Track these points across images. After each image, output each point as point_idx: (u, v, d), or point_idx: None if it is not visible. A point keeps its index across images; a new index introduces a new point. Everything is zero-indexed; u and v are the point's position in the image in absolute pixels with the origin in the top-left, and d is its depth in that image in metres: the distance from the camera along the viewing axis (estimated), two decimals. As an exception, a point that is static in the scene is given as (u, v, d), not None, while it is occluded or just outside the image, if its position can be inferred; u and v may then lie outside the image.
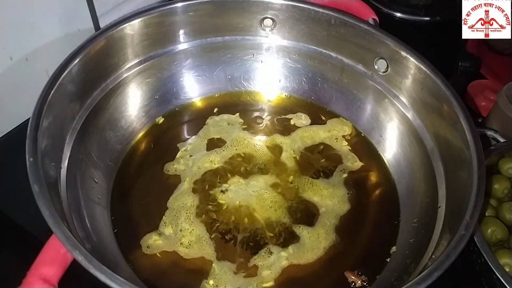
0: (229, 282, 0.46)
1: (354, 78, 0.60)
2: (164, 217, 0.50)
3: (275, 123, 0.62)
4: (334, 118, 0.62)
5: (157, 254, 0.47)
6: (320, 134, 0.60)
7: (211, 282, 0.46)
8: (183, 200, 0.51)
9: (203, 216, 0.51)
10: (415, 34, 0.76)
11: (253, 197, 0.53)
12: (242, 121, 0.61)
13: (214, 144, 0.58)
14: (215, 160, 0.56)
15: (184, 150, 0.57)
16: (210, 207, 0.52)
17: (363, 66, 0.59)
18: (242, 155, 0.58)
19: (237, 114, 0.62)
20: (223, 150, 0.57)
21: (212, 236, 0.49)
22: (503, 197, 0.52)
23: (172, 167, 0.55)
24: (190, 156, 0.56)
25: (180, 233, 0.49)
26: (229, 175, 0.55)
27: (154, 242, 0.48)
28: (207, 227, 0.50)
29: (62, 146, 0.47)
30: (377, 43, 0.55)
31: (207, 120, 0.61)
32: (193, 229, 0.49)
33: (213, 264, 0.47)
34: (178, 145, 0.57)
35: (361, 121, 0.61)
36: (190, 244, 0.48)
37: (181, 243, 0.48)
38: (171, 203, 0.51)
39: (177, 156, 0.56)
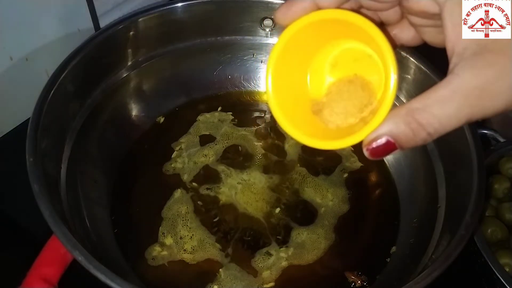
0: (231, 285, 0.46)
1: (354, 78, 0.60)
2: (161, 228, 0.49)
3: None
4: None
5: (164, 264, 0.47)
6: None
7: (215, 287, 0.46)
8: (177, 209, 0.51)
9: (202, 218, 0.50)
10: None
11: (251, 195, 0.53)
12: (233, 117, 0.61)
13: (206, 139, 0.58)
14: (209, 154, 0.57)
15: (179, 149, 0.57)
16: (208, 207, 0.52)
17: (363, 66, 0.59)
18: (239, 149, 0.58)
19: (229, 112, 0.62)
20: (216, 144, 0.58)
21: (214, 237, 0.49)
22: (503, 197, 0.52)
23: (171, 167, 0.55)
24: (185, 152, 0.57)
25: (181, 240, 0.48)
26: (225, 171, 0.55)
27: (158, 254, 0.47)
28: (208, 228, 0.50)
29: (62, 146, 0.47)
30: (377, 43, 0.55)
31: (198, 116, 0.61)
32: (193, 235, 0.49)
33: (220, 269, 0.47)
34: (172, 145, 0.57)
35: (361, 121, 0.61)
36: (193, 249, 0.48)
37: (184, 250, 0.48)
38: (165, 213, 0.50)
39: (173, 155, 0.56)
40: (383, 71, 0.27)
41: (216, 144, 0.58)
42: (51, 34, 0.57)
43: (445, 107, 0.25)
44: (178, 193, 0.52)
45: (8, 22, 0.52)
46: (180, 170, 0.55)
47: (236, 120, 0.61)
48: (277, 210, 0.52)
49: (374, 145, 0.26)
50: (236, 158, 0.57)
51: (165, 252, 0.47)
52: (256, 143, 0.59)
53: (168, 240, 0.48)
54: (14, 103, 0.56)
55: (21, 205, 0.46)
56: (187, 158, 0.56)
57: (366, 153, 0.27)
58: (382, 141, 0.26)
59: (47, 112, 0.43)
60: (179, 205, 0.51)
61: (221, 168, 0.55)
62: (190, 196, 0.52)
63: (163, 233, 0.49)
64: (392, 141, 0.26)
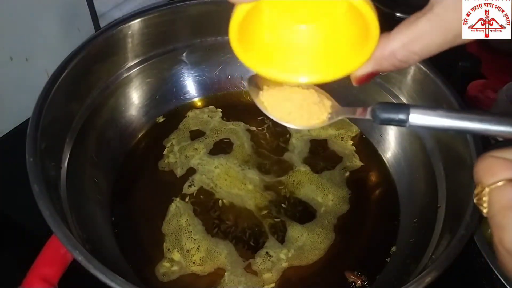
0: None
1: (354, 78, 0.60)
2: (165, 244, 0.49)
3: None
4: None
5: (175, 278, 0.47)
6: (328, 130, 0.60)
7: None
8: (177, 222, 0.50)
9: (205, 226, 0.50)
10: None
11: (250, 195, 0.53)
12: (222, 114, 0.61)
13: (196, 134, 0.59)
14: (199, 147, 0.57)
15: (170, 145, 0.57)
16: (208, 211, 0.51)
17: (363, 66, 0.59)
18: (226, 140, 0.58)
19: (219, 109, 0.62)
20: (206, 138, 0.58)
21: (218, 244, 0.49)
22: (503, 197, 0.52)
23: (164, 163, 0.56)
24: (176, 147, 0.57)
25: (188, 253, 0.48)
26: (218, 166, 0.55)
27: (168, 270, 0.47)
28: (213, 236, 0.49)
29: (62, 146, 0.47)
30: (377, 43, 0.55)
31: (188, 112, 0.61)
32: (199, 246, 0.48)
33: (225, 273, 0.47)
34: (163, 142, 0.58)
35: (361, 121, 0.61)
36: (202, 260, 0.48)
37: (193, 263, 0.47)
38: (165, 228, 0.50)
39: (165, 152, 0.57)
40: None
41: (206, 138, 0.58)
42: (51, 34, 0.57)
43: (426, 43, 0.27)
44: (173, 207, 0.51)
45: (8, 22, 0.52)
46: (173, 166, 0.55)
47: (225, 117, 0.61)
48: (276, 209, 0.52)
49: (360, 77, 0.31)
50: (228, 152, 0.57)
51: (175, 268, 0.47)
52: (252, 140, 0.59)
53: (176, 256, 0.48)
54: (14, 103, 0.56)
55: (21, 205, 0.46)
56: (178, 153, 0.56)
57: (353, 82, 0.32)
58: (366, 75, 0.31)
59: (47, 112, 0.43)
60: (177, 218, 0.50)
61: (213, 163, 0.56)
62: (187, 206, 0.52)
63: (169, 249, 0.48)
64: (375, 73, 0.31)
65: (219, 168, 0.55)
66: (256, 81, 0.41)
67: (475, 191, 0.26)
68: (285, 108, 0.40)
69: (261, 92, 0.41)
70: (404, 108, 0.30)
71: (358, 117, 0.36)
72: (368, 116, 0.34)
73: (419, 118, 0.30)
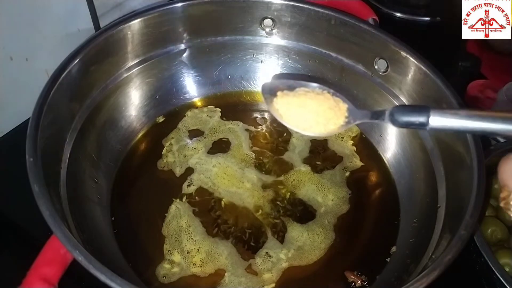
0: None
1: (354, 78, 0.60)
2: (165, 246, 0.48)
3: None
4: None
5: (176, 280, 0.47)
6: None
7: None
8: (177, 223, 0.50)
9: (205, 227, 0.50)
10: (415, 34, 0.76)
11: (248, 193, 0.53)
12: (221, 114, 0.61)
13: (194, 134, 0.59)
14: (198, 147, 0.57)
15: (169, 145, 0.57)
16: (207, 211, 0.51)
17: (363, 66, 0.59)
18: (225, 140, 0.58)
19: (218, 108, 0.62)
20: (205, 138, 0.58)
21: (219, 245, 0.49)
22: (503, 197, 0.52)
23: (163, 163, 0.56)
24: (175, 147, 0.57)
25: (189, 255, 0.48)
26: (219, 166, 0.55)
27: (169, 271, 0.47)
28: (213, 237, 0.49)
29: (62, 146, 0.47)
30: (377, 43, 0.55)
31: (187, 112, 0.61)
32: (199, 247, 0.48)
33: (225, 273, 0.47)
34: (162, 141, 0.58)
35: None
36: (202, 262, 0.47)
37: (193, 264, 0.47)
38: (165, 230, 0.50)
39: (163, 151, 0.57)
40: None
41: (205, 138, 0.58)
42: (51, 34, 0.57)
43: None
44: (173, 208, 0.51)
45: (8, 22, 0.52)
46: (172, 165, 0.55)
47: (224, 116, 0.61)
48: (276, 209, 0.52)
49: None
50: (227, 152, 0.57)
51: (175, 269, 0.47)
52: (251, 139, 0.59)
53: (176, 257, 0.48)
54: (14, 103, 0.56)
55: (21, 206, 0.46)
56: (177, 152, 0.56)
57: None
58: None
59: (47, 112, 0.43)
60: (178, 219, 0.50)
61: (211, 162, 0.56)
62: (187, 207, 0.51)
63: (169, 251, 0.48)
64: None
65: (216, 167, 0.55)
66: (269, 88, 0.40)
67: (502, 195, 0.26)
68: (300, 115, 0.39)
69: (275, 99, 0.40)
70: (424, 110, 0.29)
71: (375, 121, 0.35)
72: (386, 120, 0.32)
73: (440, 120, 0.28)
